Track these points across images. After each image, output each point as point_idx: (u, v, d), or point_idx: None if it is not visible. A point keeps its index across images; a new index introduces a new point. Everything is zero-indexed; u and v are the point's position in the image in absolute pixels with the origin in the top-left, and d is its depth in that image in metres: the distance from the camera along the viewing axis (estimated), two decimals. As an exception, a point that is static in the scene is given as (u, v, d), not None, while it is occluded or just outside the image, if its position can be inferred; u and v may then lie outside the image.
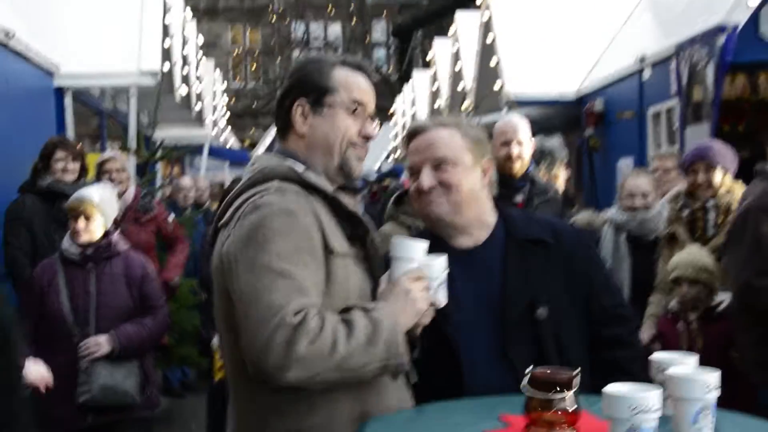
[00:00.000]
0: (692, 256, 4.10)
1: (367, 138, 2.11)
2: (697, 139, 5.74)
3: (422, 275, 2.00)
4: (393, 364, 1.90)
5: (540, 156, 5.06)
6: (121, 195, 5.71)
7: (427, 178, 2.24)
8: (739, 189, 4.23)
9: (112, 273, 4.14)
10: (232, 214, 1.98)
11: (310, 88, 2.08)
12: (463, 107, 9.87)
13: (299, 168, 2.02)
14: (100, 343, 3.98)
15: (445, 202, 2.25)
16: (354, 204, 2.13)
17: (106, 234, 4.20)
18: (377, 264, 2.10)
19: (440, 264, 2.05)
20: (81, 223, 4.12)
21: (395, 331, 1.89)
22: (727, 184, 4.29)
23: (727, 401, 1.81)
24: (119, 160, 6.02)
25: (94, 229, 4.14)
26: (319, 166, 2.08)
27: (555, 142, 5.24)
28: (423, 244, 2.05)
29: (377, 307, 1.92)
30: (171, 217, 6.31)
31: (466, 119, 2.43)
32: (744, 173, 4.42)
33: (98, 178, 5.77)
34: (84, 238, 4.13)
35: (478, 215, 2.32)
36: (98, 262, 4.14)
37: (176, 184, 9.35)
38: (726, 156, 4.32)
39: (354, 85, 2.10)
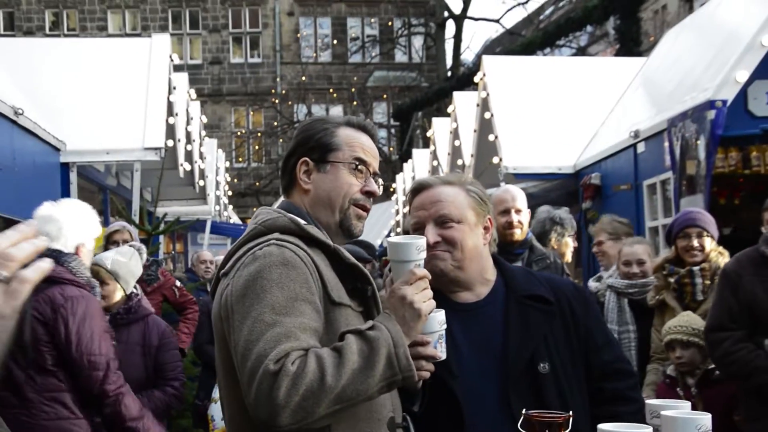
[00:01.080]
0: (684, 320, 4.14)
1: (369, 194, 2.15)
2: (693, 211, 5.83)
3: (416, 276, 1.96)
4: (399, 379, 1.85)
5: (551, 225, 5.18)
6: None
7: (431, 234, 2.28)
8: (726, 254, 4.33)
9: (128, 341, 4.10)
10: (233, 264, 2.00)
11: (315, 146, 2.14)
12: (462, 182, 9.99)
13: (300, 222, 2.06)
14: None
15: (449, 258, 2.29)
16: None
17: (129, 298, 4.17)
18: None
19: (439, 319, 2.06)
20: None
21: (396, 344, 1.84)
22: (714, 249, 4.38)
23: None
24: (127, 231, 6.09)
25: (108, 294, 4.12)
26: (321, 222, 2.12)
27: (564, 212, 5.39)
28: (417, 242, 2.01)
29: (375, 324, 1.88)
30: (177, 284, 6.34)
31: (470, 177, 2.49)
32: (737, 245, 4.51)
33: (106, 248, 5.83)
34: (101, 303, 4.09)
35: (480, 271, 2.36)
36: (115, 329, 4.07)
37: (197, 257, 9.49)
38: (712, 224, 4.45)
39: (357, 143, 2.16)
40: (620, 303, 4.72)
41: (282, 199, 2.26)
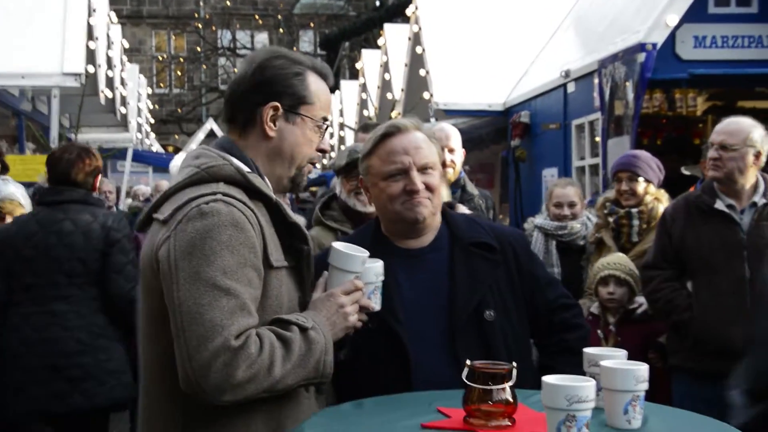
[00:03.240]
0: (620, 258, 4.24)
1: (322, 152, 2.13)
2: (619, 152, 5.94)
3: (358, 288, 2.02)
4: (317, 383, 1.94)
5: None
6: None
7: (418, 181, 2.28)
8: (664, 198, 4.43)
9: None
10: (174, 212, 1.90)
11: (287, 92, 2.03)
12: (392, 116, 9.97)
13: (246, 171, 1.97)
14: None
15: (430, 205, 2.32)
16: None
17: None
18: (310, 276, 2.09)
19: (376, 270, 2.07)
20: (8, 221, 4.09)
21: (326, 350, 1.91)
22: (651, 193, 4.45)
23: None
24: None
25: None
26: (273, 173, 2.05)
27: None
28: (363, 256, 2.06)
29: (314, 324, 1.91)
30: None
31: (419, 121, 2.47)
32: (664, 185, 4.62)
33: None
34: None
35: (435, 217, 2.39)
36: None
37: (134, 192, 9.28)
38: (650, 167, 4.49)
39: (326, 99, 2.08)
40: (547, 244, 4.80)
41: (224, 135, 2.15)
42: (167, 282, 1.84)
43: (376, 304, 2.08)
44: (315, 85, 2.07)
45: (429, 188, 2.31)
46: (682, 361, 3.81)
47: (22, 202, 4.13)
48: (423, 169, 2.31)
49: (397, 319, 2.23)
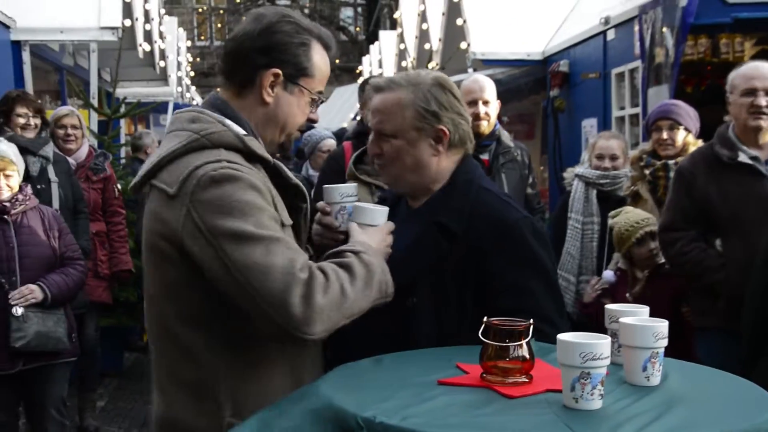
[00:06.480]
0: (640, 214, 4.16)
1: (311, 122, 2.18)
2: (658, 101, 5.80)
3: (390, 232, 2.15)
4: (381, 303, 1.99)
5: None
6: (74, 152, 5.70)
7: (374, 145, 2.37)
8: None
9: (29, 225, 4.23)
10: (181, 184, 1.88)
11: (291, 61, 2.03)
12: (430, 67, 9.84)
13: (244, 137, 1.97)
14: (33, 291, 4.09)
15: (388, 172, 2.39)
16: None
17: (20, 188, 4.32)
18: (306, 233, 2.16)
19: (341, 191, 2.19)
20: (2, 179, 4.22)
21: (385, 270, 1.98)
22: (690, 142, 4.35)
23: (671, 355, 1.87)
24: (76, 115, 5.91)
25: (13, 185, 4.26)
26: (262, 135, 2.07)
27: None
28: (385, 209, 2.18)
29: (365, 249, 1.98)
30: (119, 186, 6.16)
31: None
32: (705, 135, 4.50)
33: (53, 133, 5.68)
34: (5, 194, 4.21)
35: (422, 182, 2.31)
36: (17, 215, 4.23)
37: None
38: (689, 116, 4.39)
39: (325, 72, 2.10)
40: (588, 193, 4.75)
41: (215, 91, 2.15)
42: (208, 255, 1.85)
43: (341, 224, 2.17)
44: (318, 57, 2.07)
45: (381, 156, 2.27)
46: (715, 321, 3.67)
47: (13, 159, 4.26)
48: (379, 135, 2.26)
49: None
